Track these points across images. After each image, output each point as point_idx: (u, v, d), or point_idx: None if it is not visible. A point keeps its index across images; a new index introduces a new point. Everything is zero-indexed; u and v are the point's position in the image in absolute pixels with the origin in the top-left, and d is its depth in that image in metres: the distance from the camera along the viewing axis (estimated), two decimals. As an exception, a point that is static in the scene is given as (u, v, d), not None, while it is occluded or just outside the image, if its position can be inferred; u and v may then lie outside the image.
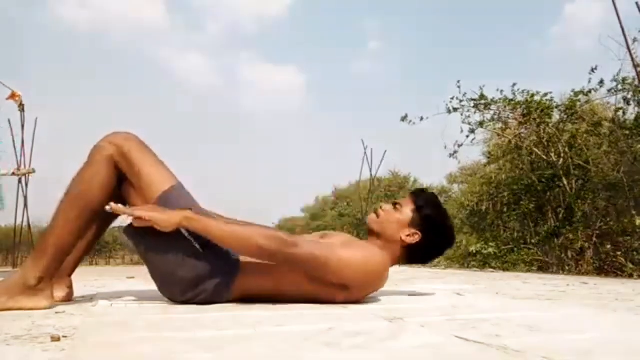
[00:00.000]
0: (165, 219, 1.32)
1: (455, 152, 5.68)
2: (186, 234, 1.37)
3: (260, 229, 1.39)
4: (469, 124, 5.51)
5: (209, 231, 1.34)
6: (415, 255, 1.55)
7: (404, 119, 5.76)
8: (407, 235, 1.51)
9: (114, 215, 1.53)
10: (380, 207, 1.57)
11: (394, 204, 1.57)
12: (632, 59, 3.91)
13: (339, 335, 0.95)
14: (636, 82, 4.09)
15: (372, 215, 1.57)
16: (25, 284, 1.31)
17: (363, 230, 8.49)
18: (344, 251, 1.42)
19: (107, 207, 1.32)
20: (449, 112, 5.51)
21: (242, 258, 1.44)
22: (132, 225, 1.36)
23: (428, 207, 1.54)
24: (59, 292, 1.48)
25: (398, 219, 1.52)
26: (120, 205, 1.34)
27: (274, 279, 1.44)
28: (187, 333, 0.97)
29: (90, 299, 1.63)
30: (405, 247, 1.52)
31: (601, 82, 4.61)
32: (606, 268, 3.82)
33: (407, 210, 1.53)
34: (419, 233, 1.51)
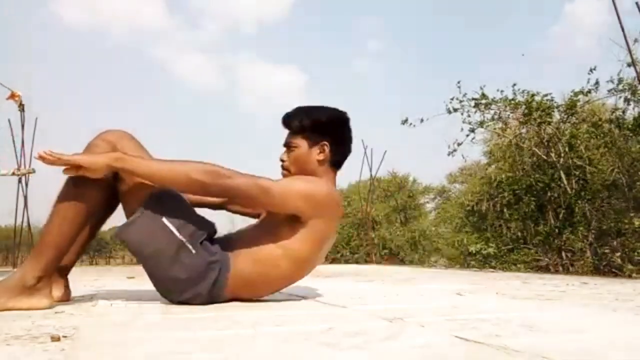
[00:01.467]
0: (93, 160, 1.29)
1: (455, 150, 5.68)
2: (178, 235, 1.36)
3: (195, 163, 1.35)
4: (469, 123, 5.52)
5: (141, 170, 1.33)
6: (339, 157, 1.57)
7: (404, 122, 5.78)
8: (319, 153, 1.52)
9: (108, 214, 1.54)
10: (281, 160, 1.56)
11: (286, 147, 1.56)
12: (632, 59, 3.91)
13: (339, 335, 0.95)
14: (636, 83, 4.09)
15: (284, 173, 1.56)
16: (25, 284, 1.31)
17: (364, 230, 8.49)
18: (286, 181, 1.46)
19: (36, 154, 1.28)
20: (449, 112, 5.52)
21: (234, 255, 1.43)
22: (124, 227, 1.37)
23: (305, 121, 1.53)
24: (57, 292, 1.48)
25: (301, 153, 1.53)
26: (45, 150, 1.28)
27: (266, 270, 1.44)
28: (187, 333, 0.97)
29: (90, 299, 1.63)
30: (327, 161, 1.54)
31: (596, 83, 4.63)
32: (604, 268, 3.82)
33: (299, 140, 1.53)
34: (324, 142, 1.52)
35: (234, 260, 1.43)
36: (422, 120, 5.72)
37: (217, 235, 1.52)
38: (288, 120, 1.56)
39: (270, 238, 1.44)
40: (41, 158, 1.28)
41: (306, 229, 1.42)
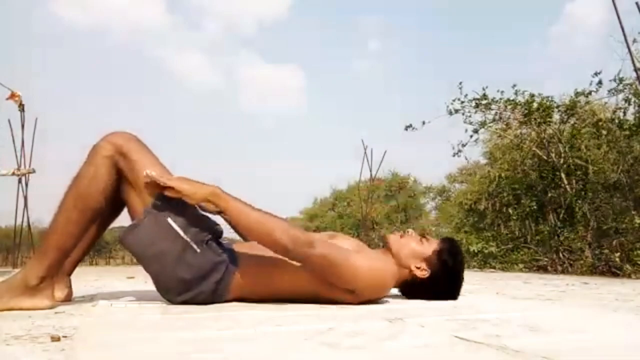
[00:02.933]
0: (193, 190, 1.33)
1: (459, 151, 5.71)
2: (183, 235, 1.36)
3: (282, 222, 1.37)
4: (470, 123, 5.52)
5: (233, 212, 1.35)
6: (415, 289, 1.58)
7: (407, 127, 5.81)
8: (417, 268, 1.53)
9: (113, 216, 1.53)
10: (408, 231, 1.59)
11: (422, 236, 1.59)
12: (632, 60, 3.91)
13: (339, 335, 0.95)
14: (636, 83, 4.09)
15: (396, 234, 1.59)
16: (27, 284, 1.31)
17: (364, 231, 8.49)
18: (358, 258, 1.42)
19: (145, 173, 1.33)
20: (450, 113, 5.52)
21: (239, 257, 1.44)
22: (133, 226, 1.37)
23: (448, 254, 1.55)
24: (59, 292, 1.48)
25: (417, 250, 1.55)
26: (154, 173, 1.34)
27: (272, 277, 1.44)
28: (187, 333, 0.97)
29: (90, 299, 1.63)
30: (411, 277, 1.54)
31: (599, 83, 4.62)
32: (604, 268, 3.82)
33: (430, 247, 1.55)
34: (429, 272, 1.53)
35: (241, 263, 1.43)
36: (423, 123, 5.74)
37: (226, 238, 1.52)
38: (448, 240, 1.60)
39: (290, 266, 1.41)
40: (148, 178, 1.33)
41: (339, 292, 1.42)
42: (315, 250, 1.34)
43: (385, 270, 1.48)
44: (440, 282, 1.55)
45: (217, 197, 1.35)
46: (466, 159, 5.78)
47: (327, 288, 1.42)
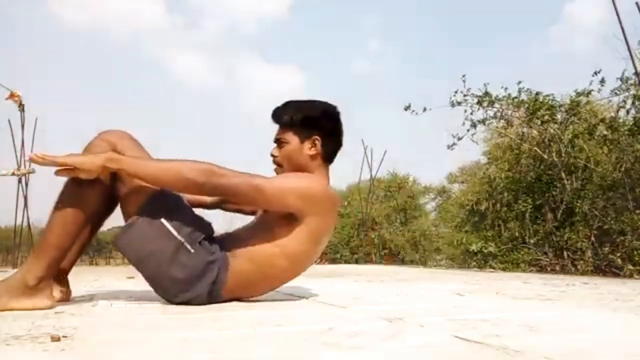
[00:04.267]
0: (87, 161, 1.29)
1: (454, 144, 5.64)
2: (176, 235, 1.37)
3: (188, 162, 1.35)
4: (472, 121, 5.50)
5: (136, 170, 1.33)
6: (331, 151, 1.57)
7: (407, 108, 5.70)
8: (311, 148, 1.52)
9: (108, 213, 1.53)
10: (272, 155, 1.56)
11: (277, 142, 1.55)
12: (632, 60, 3.91)
13: (339, 335, 0.95)
14: (637, 83, 4.09)
15: (277, 169, 1.56)
16: (26, 284, 1.31)
17: (364, 231, 8.49)
18: (279, 179, 1.44)
19: (27, 156, 1.30)
20: (452, 105, 5.48)
21: (232, 252, 1.44)
22: (121, 235, 1.37)
23: (295, 115, 1.52)
24: (57, 292, 1.48)
25: (293, 149, 1.52)
26: (37, 153, 1.28)
27: (265, 268, 1.44)
28: (187, 333, 0.97)
29: (90, 299, 1.63)
30: (319, 156, 1.53)
31: (602, 82, 4.61)
32: (605, 268, 3.82)
33: (289, 136, 1.52)
34: (315, 136, 1.52)
35: (231, 260, 1.43)
36: (424, 109, 5.65)
37: (214, 235, 1.52)
38: (278, 114, 1.55)
39: (267, 237, 1.43)
40: (33, 160, 1.28)
41: (302, 226, 1.42)
42: (230, 179, 1.34)
43: (303, 177, 1.47)
44: (324, 125, 1.53)
45: (114, 161, 1.31)
46: (461, 143, 5.69)
47: (283, 228, 1.41)
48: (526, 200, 5.06)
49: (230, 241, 1.48)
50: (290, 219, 1.42)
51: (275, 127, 1.57)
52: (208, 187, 1.34)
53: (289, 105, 1.56)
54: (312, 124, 1.52)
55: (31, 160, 1.28)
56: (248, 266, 1.43)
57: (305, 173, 1.50)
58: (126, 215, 1.41)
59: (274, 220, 1.43)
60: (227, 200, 1.69)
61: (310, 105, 1.56)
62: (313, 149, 1.52)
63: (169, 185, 1.36)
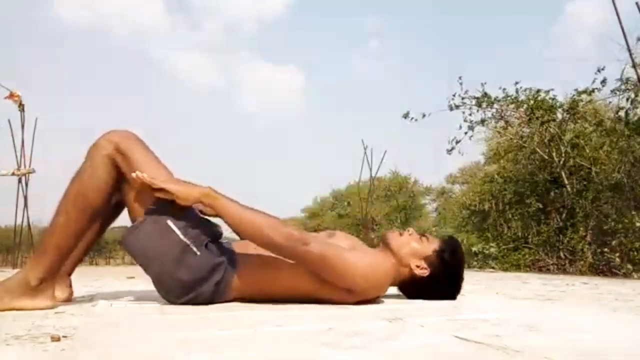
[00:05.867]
0: (186, 191, 1.34)
1: (453, 148, 5.65)
2: (182, 237, 1.36)
3: (275, 221, 1.36)
4: (470, 122, 5.50)
5: (227, 212, 1.35)
6: (415, 288, 1.56)
7: (405, 116, 5.71)
8: (417, 266, 1.52)
9: (114, 215, 1.53)
10: (407, 230, 1.58)
11: (422, 234, 1.58)
12: (632, 60, 3.91)
13: (339, 335, 0.95)
14: (638, 83, 4.09)
15: (395, 232, 1.58)
16: (28, 284, 1.31)
17: (364, 231, 8.49)
18: (354, 256, 1.42)
19: (134, 174, 1.33)
20: (451, 109, 5.49)
21: (239, 258, 1.43)
22: (132, 230, 1.37)
23: (449, 253, 1.54)
24: (59, 293, 1.48)
25: (418, 248, 1.53)
26: (144, 174, 1.33)
27: (272, 278, 1.43)
28: (187, 333, 0.97)
29: (90, 299, 1.63)
30: (410, 276, 1.52)
31: (604, 82, 4.61)
32: (604, 268, 3.82)
33: (430, 246, 1.54)
34: (429, 271, 1.52)
35: (241, 265, 1.43)
36: (423, 115, 5.66)
37: (226, 238, 1.52)
38: (448, 239, 1.59)
39: (294, 271, 1.41)
40: (138, 179, 1.32)
41: (337, 291, 1.41)
42: (309, 247, 1.34)
43: (384, 268, 1.47)
44: (440, 281, 1.54)
45: (210, 197, 1.35)
46: (460, 152, 5.71)
47: (326, 288, 1.41)
48: (530, 200, 5.06)
49: (243, 248, 1.47)
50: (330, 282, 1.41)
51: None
52: (286, 251, 1.34)
53: (457, 247, 1.59)
54: (442, 269, 1.53)
55: (137, 177, 1.32)
56: (257, 274, 1.43)
57: (387, 258, 1.50)
58: (133, 217, 1.41)
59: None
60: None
61: (459, 265, 1.59)
62: (418, 269, 1.51)
63: (249, 236, 1.37)
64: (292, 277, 1.42)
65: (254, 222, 1.34)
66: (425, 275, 1.51)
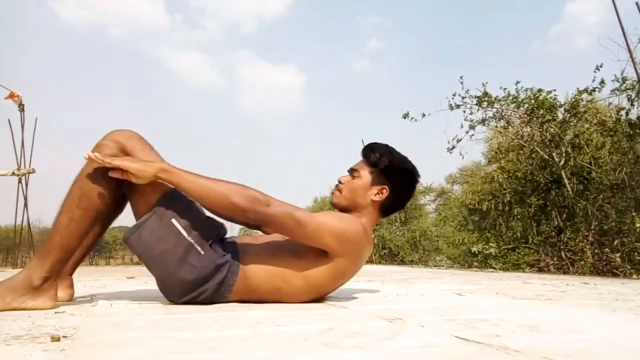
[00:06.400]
0: (141, 168, 1.32)
1: (454, 147, 5.64)
2: (186, 235, 1.36)
3: (235, 185, 1.36)
4: (471, 121, 5.50)
5: (185, 184, 1.34)
6: (391, 207, 1.57)
7: (405, 116, 5.70)
8: (376, 194, 1.52)
9: (115, 214, 1.53)
10: (339, 182, 1.56)
11: (350, 172, 1.57)
12: (632, 60, 3.91)
13: (339, 335, 0.95)
14: (638, 83, 4.09)
15: (335, 193, 1.57)
16: (30, 284, 1.30)
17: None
18: (322, 217, 1.43)
19: (84, 155, 1.31)
20: (451, 108, 5.48)
21: (243, 258, 1.43)
22: (134, 230, 1.36)
23: (383, 159, 1.54)
24: (61, 292, 1.48)
25: (360, 185, 1.53)
26: (96, 154, 1.31)
27: (277, 277, 1.43)
28: (187, 333, 0.97)
29: (90, 299, 1.63)
30: (379, 205, 1.53)
31: (602, 82, 4.60)
32: (604, 268, 3.82)
33: (366, 173, 1.54)
34: (386, 187, 1.52)
35: (245, 266, 1.43)
36: (423, 115, 5.64)
37: (232, 238, 1.52)
38: (369, 150, 1.57)
39: (291, 256, 1.43)
40: (89, 159, 1.31)
41: (330, 263, 1.42)
42: (274, 208, 1.34)
43: (350, 223, 1.46)
44: (399, 183, 1.54)
45: (166, 172, 1.34)
46: (461, 154, 5.71)
47: (312, 260, 1.41)
48: (530, 200, 5.06)
49: (248, 248, 1.48)
50: (320, 252, 1.42)
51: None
52: (251, 214, 1.34)
53: (382, 148, 1.57)
54: (390, 174, 1.53)
55: (88, 157, 1.31)
56: (261, 276, 1.43)
57: (347, 215, 1.50)
58: (137, 215, 1.41)
59: (303, 248, 1.43)
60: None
61: (400, 159, 1.58)
62: (378, 195, 1.52)
63: (213, 205, 1.36)
64: (301, 277, 1.42)
65: (216, 191, 1.33)
66: (386, 192, 1.52)
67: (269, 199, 1.36)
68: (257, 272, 1.43)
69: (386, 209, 1.56)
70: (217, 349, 0.83)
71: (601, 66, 4.61)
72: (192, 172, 1.37)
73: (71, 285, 1.56)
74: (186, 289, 1.38)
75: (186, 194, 1.36)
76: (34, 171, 5.47)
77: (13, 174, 5.30)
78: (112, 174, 1.33)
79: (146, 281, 2.47)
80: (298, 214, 1.37)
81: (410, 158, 1.60)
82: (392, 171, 1.53)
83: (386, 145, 1.59)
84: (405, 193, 1.59)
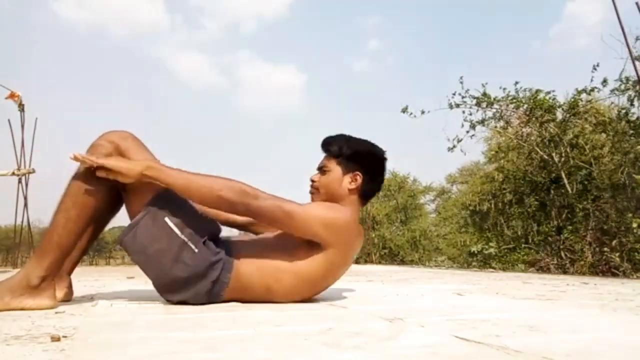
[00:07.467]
0: (128, 167, 1.33)
1: (454, 146, 5.64)
2: (179, 234, 1.36)
3: (223, 179, 1.37)
4: (470, 121, 5.49)
5: (171, 180, 1.35)
6: (369, 190, 1.58)
7: (404, 110, 5.69)
8: (351, 182, 1.53)
9: (112, 214, 1.53)
10: (312, 180, 1.58)
11: (320, 169, 1.58)
12: (633, 60, 3.91)
13: (339, 335, 0.95)
14: (638, 83, 4.09)
15: (314, 193, 1.58)
16: (29, 283, 1.31)
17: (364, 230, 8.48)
18: (310, 207, 1.45)
19: (70, 155, 1.31)
20: (451, 107, 5.48)
21: (237, 256, 1.43)
22: (128, 230, 1.36)
23: (345, 148, 1.55)
24: (59, 292, 1.48)
25: (334, 178, 1.54)
26: (81, 153, 1.32)
27: (272, 275, 1.44)
28: (187, 333, 0.97)
29: (90, 299, 1.63)
30: (357, 192, 1.54)
31: (604, 82, 4.60)
32: (604, 268, 3.82)
33: (334, 165, 1.55)
34: (357, 172, 1.54)
35: (238, 263, 1.43)
36: (422, 112, 5.64)
37: (227, 237, 1.52)
38: (328, 143, 1.58)
39: (283, 253, 1.44)
40: (76, 159, 1.31)
41: (322, 255, 1.43)
42: (262, 201, 1.35)
43: (337, 211, 1.47)
44: (369, 165, 1.56)
45: (152, 170, 1.34)
46: (462, 150, 5.70)
47: (305, 252, 1.42)
48: (530, 200, 5.06)
49: (241, 246, 1.48)
50: (311, 245, 1.42)
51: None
52: (239, 206, 1.35)
53: (340, 137, 1.59)
54: (358, 160, 1.54)
55: (74, 157, 1.31)
56: (254, 274, 1.43)
57: (335, 204, 1.51)
58: (131, 214, 1.41)
59: (295, 241, 1.43)
60: (256, 222, 1.65)
61: (360, 142, 1.59)
62: (353, 183, 1.53)
63: (201, 200, 1.37)
64: (293, 274, 1.42)
65: (204, 186, 1.34)
66: (360, 178, 1.53)
67: (257, 192, 1.36)
68: (250, 270, 1.43)
69: (365, 193, 1.57)
70: (217, 349, 0.83)
71: (597, 65, 4.61)
72: (179, 169, 1.38)
73: (70, 285, 1.56)
74: (180, 286, 1.39)
75: (175, 190, 1.36)
76: (34, 171, 5.47)
77: (13, 174, 5.29)
78: (98, 174, 1.33)
79: (146, 281, 2.47)
80: (287, 206, 1.37)
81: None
82: (358, 156, 1.55)
83: (342, 134, 1.61)
84: (377, 172, 1.60)
